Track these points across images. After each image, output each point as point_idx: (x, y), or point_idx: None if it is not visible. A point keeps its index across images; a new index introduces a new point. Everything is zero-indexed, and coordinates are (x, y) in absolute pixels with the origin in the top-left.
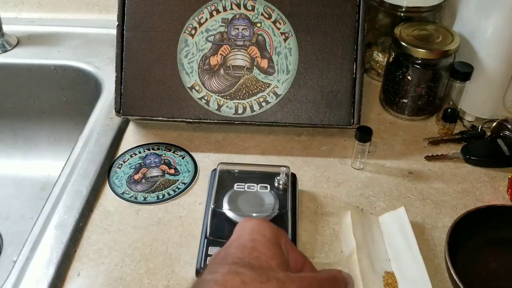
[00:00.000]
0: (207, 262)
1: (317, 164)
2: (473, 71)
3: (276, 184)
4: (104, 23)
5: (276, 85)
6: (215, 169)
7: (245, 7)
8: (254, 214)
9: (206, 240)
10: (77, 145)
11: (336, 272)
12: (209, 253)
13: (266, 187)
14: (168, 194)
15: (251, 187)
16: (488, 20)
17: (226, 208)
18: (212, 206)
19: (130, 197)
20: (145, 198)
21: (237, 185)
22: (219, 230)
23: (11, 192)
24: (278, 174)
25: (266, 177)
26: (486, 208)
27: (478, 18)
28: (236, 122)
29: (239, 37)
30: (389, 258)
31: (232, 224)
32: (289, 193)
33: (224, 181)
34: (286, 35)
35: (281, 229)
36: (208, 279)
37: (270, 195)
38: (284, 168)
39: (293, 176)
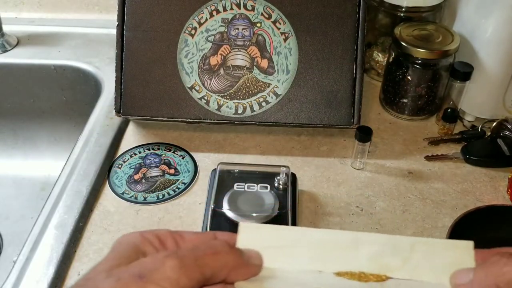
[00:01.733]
0: None
1: (317, 164)
2: (473, 71)
3: (276, 184)
4: (104, 23)
5: (276, 85)
6: (215, 169)
7: (245, 7)
8: (254, 214)
9: None
10: (77, 145)
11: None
12: None
13: (266, 187)
14: (168, 194)
15: (251, 187)
16: (488, 20)
17: (226, 208)
18: (212, 206)
19: (130, 197)
20: (145, 198)
21: (237, 185)
22: (219, 230)
23: (11, 192)
24: (278, 174)
25: (266, 177)
26: (486, 208)
27: (478, 18)
28: (236, 122)
29: (239, 37)
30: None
31: (232, 224)
32: (289, 193)
33: (224, 181)
34: (286, 35)
35: (148, 235)
36: None
37: (270, 195)
38: (284, 168)
39: (293, 176)
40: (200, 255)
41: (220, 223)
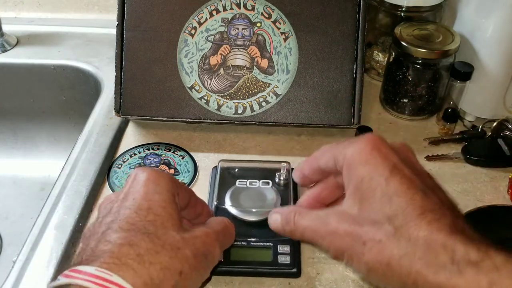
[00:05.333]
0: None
1: None
2: (474, 71)
3: (277, 180)
4: (104, 23)
5: (276, 85)
6: (216, 166)
7: (245, 6)
8: (256, 210)
9: None
10: (76, 145)
11: (225, 219)
12: None
13: (268, 183)
14: None
15: (253, 183)
16: (488, 20)
17: (228, 205)
18: (215, 203)
19: None
20: None
21: (239, 181)
22: None
23: (11, 192)
24: (279, 170)
25: (268, 173)
26: (487, 208)
27: (478, 18)
28: (236, 122)
29: (239, 37)
30: None
31: (236, 220)
32: (291, 188)
33: (226, 178)
34: (286, 34)
35: (175, 179)
36: (104, 250)
37: (272, 190)
38: (285, 164)
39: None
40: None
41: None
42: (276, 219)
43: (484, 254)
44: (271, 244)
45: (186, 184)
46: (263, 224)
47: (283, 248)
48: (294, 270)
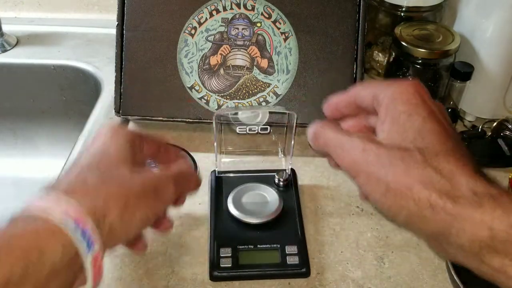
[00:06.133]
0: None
1: (317, 164)
2: (474, 71)
3: (276, 181)
4: (103, 23)
5: (276, 85)
6: (214, 170)
7: (245, 6)
8: (257, 212)
9: (215, 242)
10: (76, 145)
11: (185, 165)
12: (220, 255)
13: (269, 183)
14: None
15: (254, 185)
16: (488, 19)
17: (231, 208)
18: (217, 207)
19: None
20: None
21: (240, 184)
22: (226, 230)
23: (11, 192)
24: (278, 171)
25: (268, 174)
26: None
27: (478, 18)
28: (236, 122)
29: (239, 37)
30: None
31: (240, 223)
32: (292, 188)
33: (226, 181)
34: (286, 34)
35: (138, 133)
36: (56, 186)
37: (273, 191)
38: (281, 155)
39: (292, 170)
40: (183, 181)
41: (227, 223)
42: (310, 130)
43: (504, 192)
44: (278, 246)
45: None
46: (267, 226)
47: (291, 249)
48: (304, 270)
